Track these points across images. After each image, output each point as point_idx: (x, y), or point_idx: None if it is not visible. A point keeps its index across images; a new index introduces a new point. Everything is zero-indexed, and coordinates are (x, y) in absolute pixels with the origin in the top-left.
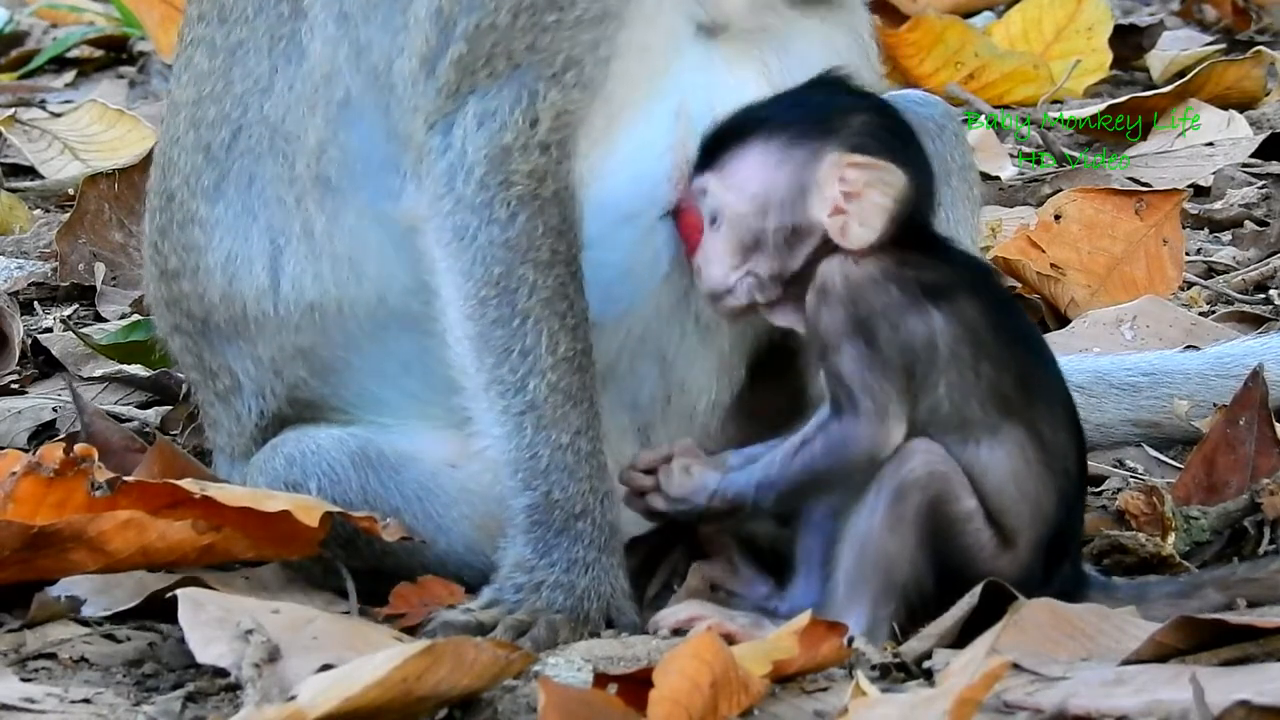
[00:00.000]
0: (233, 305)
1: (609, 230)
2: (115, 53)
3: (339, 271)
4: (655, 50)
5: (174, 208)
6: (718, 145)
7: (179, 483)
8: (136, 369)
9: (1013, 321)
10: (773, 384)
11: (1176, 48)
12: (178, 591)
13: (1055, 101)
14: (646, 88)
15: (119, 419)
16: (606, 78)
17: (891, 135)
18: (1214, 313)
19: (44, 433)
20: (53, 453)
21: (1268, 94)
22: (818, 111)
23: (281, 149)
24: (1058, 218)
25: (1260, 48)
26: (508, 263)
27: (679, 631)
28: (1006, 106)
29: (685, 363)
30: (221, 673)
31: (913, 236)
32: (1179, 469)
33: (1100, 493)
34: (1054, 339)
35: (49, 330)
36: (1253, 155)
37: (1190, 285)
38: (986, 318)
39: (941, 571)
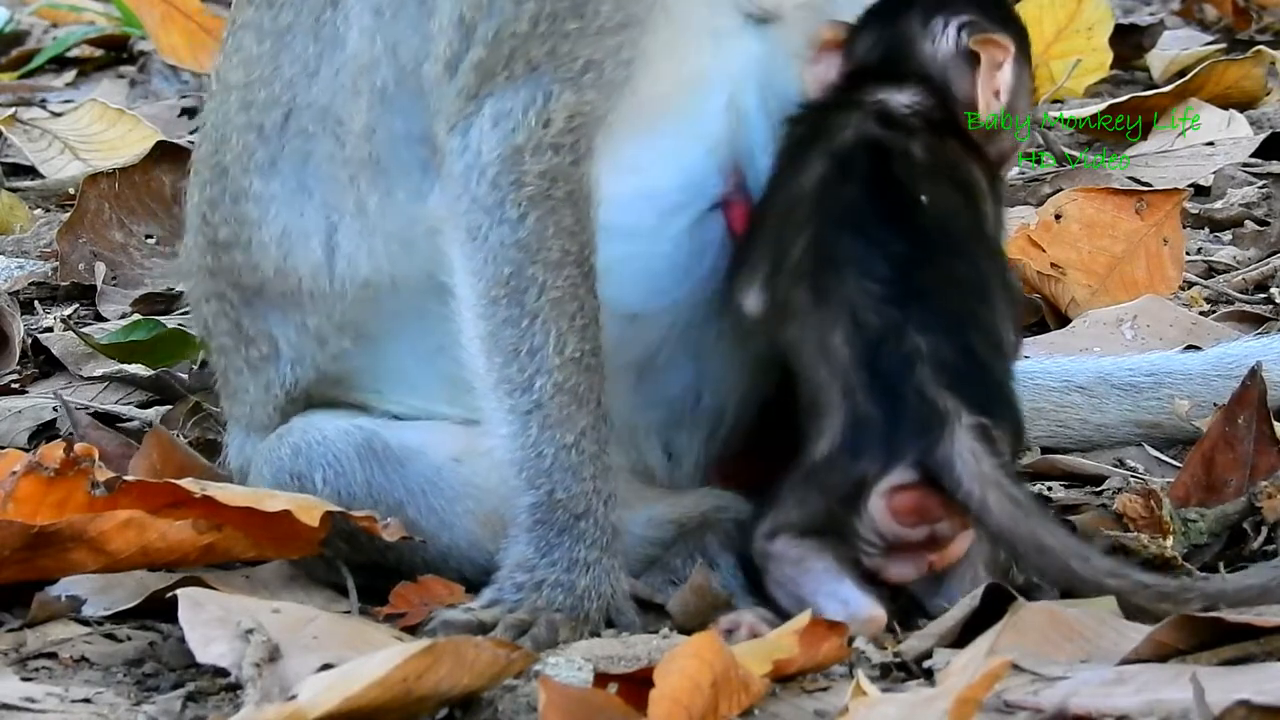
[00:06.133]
0: (288, 279)
1: (659, 223)
2: (115, 52)
3: (391, 247)
4: (692, 48)
5: (226, 181)
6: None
7: (179, 482)
8: (136, 369)
9: None
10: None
11: (1177, 47)
12: (178, 591)
13: (1055, 101)
14: (690, 83)
15: (119, 419)
16: (629, 78)
17: None
18: (1214, 313)
19: (44, 433)
20: (53, 453)
21: (1268, 94)
22: None
23: (334, 130)
24: (1058, 217)
25: (1260, 47)
26: (518, 263)
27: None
28: None
29: (722, 360)
30: (222, 672)
31: None
32: (1179, 469)
33: (1101, 492)
34: (1054, 339)
35: (49, 330)
36: (1253, 155)
37: (1190, 285)
38: None
39: None
